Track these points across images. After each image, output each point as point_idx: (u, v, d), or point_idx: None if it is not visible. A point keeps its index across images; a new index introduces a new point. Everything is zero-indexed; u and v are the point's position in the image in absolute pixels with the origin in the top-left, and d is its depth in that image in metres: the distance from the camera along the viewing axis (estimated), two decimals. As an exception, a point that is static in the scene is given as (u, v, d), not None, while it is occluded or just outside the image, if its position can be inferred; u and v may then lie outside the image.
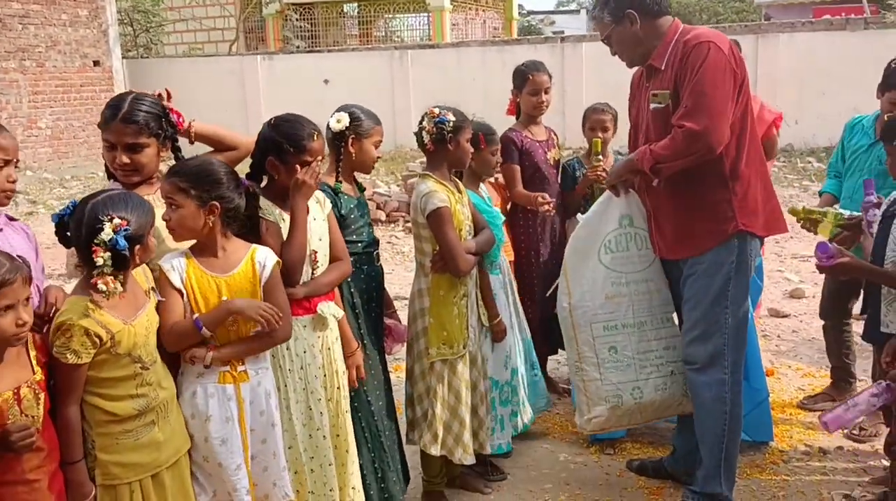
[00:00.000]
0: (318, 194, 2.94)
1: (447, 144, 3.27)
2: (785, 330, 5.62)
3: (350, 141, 3.05)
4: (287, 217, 2.73)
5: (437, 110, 3.26)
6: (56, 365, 2.19)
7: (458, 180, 3.49)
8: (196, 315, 2.42)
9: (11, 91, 13.74)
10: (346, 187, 3.08)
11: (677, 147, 2.98)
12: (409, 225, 9.25)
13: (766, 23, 16.14)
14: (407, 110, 14.75)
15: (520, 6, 30.89)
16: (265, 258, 2.56)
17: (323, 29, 21.11)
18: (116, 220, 2.15)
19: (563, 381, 4.67)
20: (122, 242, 2.13)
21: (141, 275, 2.40)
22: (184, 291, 2.43)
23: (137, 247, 2.22)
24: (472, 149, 3.43)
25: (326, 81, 16.20)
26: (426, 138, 3.25)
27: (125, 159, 2.52)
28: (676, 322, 3.44)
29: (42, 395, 2.14)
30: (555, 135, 4.49)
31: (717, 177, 3.08)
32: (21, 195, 11.47)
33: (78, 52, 14.99)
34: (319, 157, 2.78)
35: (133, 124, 2.50)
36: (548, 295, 3.86)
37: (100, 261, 2.13)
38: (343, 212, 3.03)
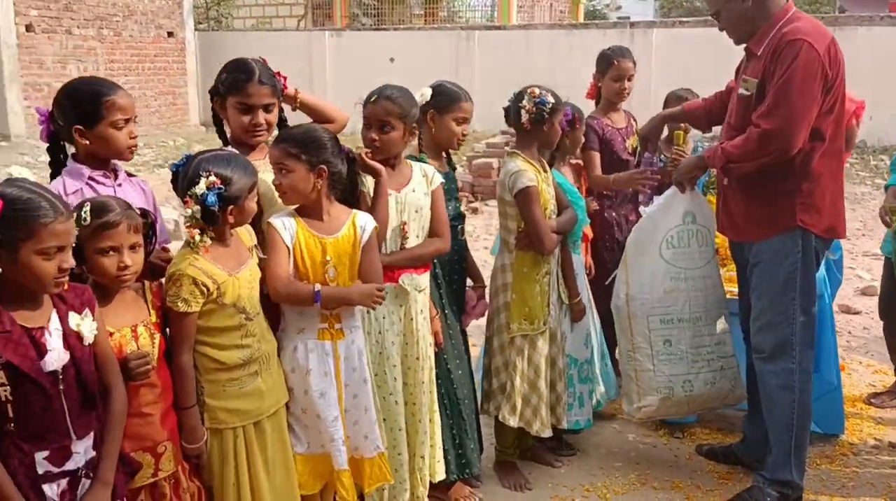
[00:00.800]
0: (427, 168, 3.05)
1: (543, 125, 3.33)
2: (856, 327, 5.58)
3: (430, 115, 3.14)
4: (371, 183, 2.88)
5: (537, 90, 3.31)
6: (170, 313, 2.35)
7: (543, 159, 3.55)
8: (318, 287, 2.55)
9: (89, 58, 14.15)
10: (433, 162, 3.16)
11: (751, 147, 3.01)
12: (472, 204, 9.39)
13: (843, 15, 15.72)
14: (471, 91, 14.69)
15: (586, -10, 30.51)
16: (365, 222, 2.70)
17: (389, 7, 21.19)
18: (212, 177, 2.30)
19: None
20: (212, 198, 2.28)
21: (244, 233, 2.55)
22: (290, 249, 2.56)
23: (231, 207, 2.35)
24: (560, 131, 3.49)
25: (392, 59, 16.30)
26: (524, 117, 3.30)
27: (261, 119, 2.68)
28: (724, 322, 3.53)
29: (157, 336, 2.30)
30: (634, 121, 4.51)
31: (785, 171, 3.09)
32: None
33: (153, 23, 15.35)
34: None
35: (268, 86, 2.70)
36: (607, 283, 3.92)
37: (188, 213, 2.30)
38: None
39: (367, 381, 2.74)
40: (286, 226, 2.58)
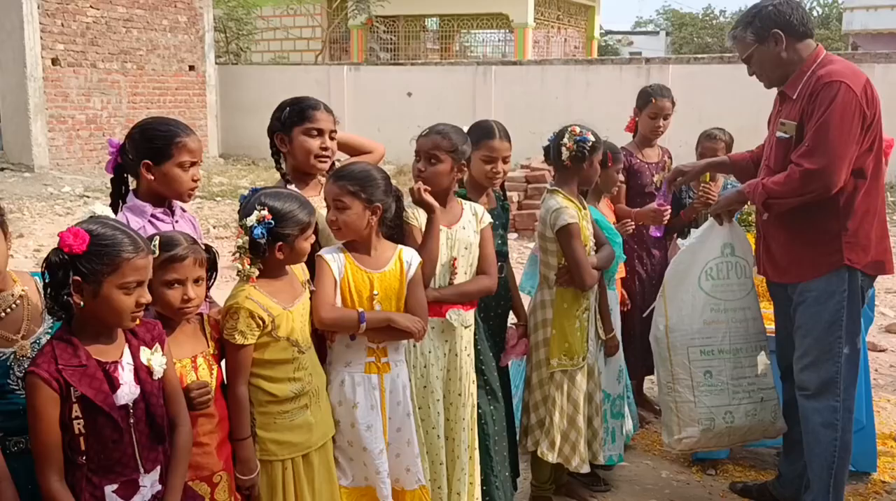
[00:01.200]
0: (477, 207, 3.11)
1: (583, 162, 3.39)
2: (882, 365, 5.57)
3: None
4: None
5: (578, 128, 3.37)
6: (227, 346, 2.40)
7: (581, 196, 3.61)
8: (361, 310, 2.61)
9: (113, 91, 14.38)
10: (473, 197, 3.19)
11: (792, 185, 3.04)
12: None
13: (859, 53, 15.85)
14: (488, 125, 14.92)
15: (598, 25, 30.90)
16: (411, 258, 2.77)
17: (404, 42, 21.51)
18: (264, 212, 2.37)
19: (657, 400, 4.74)
20: (259, 231, 2.35)
21: (298, 268, 2.61)
22: (338, 282, 2.62)
23: (281, 243, 2.41)
24: (600, 169, 3.55)
25: (410, 94, 16.48)
26: (565, 154, 3.35)
27: (328, 143, 2.82)
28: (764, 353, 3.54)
29: (215, 367, 2.36)
30: (670, 158, 4.58)
31: (829, 210, 3.12)
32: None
33: (175, 57, 15.61)
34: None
35: (331, 114, 2.84)
36: (644, 315, 3.94)
37: (238, 242, 2.38)
38: None
39: (411, 414, 2.78)
40: (335, 259, 2.65)
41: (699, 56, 16.60)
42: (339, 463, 2.70)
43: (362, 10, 18.33)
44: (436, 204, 2.86)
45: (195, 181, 2.62)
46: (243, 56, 20.10)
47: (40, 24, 12.86)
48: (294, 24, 21.89)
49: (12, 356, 2.01)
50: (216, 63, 17.00)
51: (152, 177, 2.57)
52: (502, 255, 3.37)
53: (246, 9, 19.74)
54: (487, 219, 3.10)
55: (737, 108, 11.78)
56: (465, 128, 3.09)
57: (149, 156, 2.57)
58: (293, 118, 2.82)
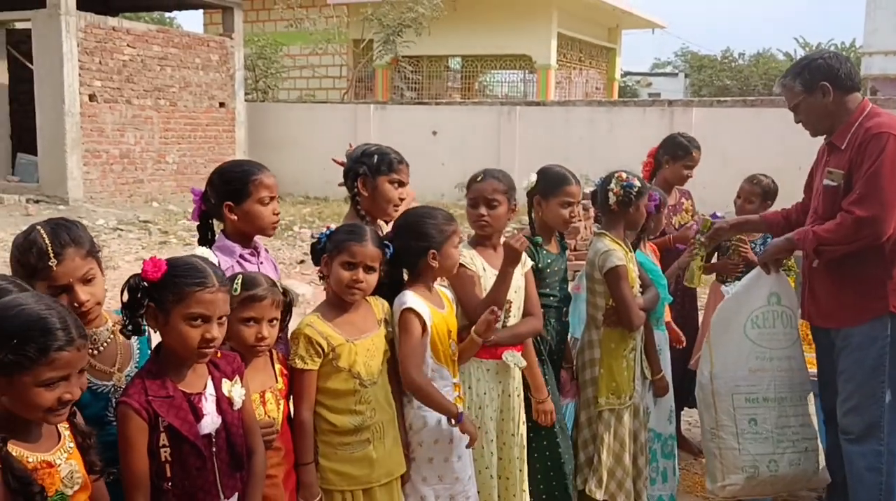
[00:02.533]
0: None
1: (629, 207, 3.47)
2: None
3: (536, 200, 3.28)
4: (487, 267, 3.00)
5: (625, 174, 3.47)
6: (292, 372, 2.50)
7: (627, 240, 3.67)
8: (461, 407, 2.76)
9: (146, 127, 14.68)
10: (545, 244, 3.29)
11: (844, 232, 3.12)
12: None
13: (883, 99, 15.92)
14: (511, 165, 15.04)
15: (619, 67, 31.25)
16: (453, 299, 2.92)
17: (427, 81, 21.82)
18: (324, 230, 2.63)
19: (697, 441, 4.75)
20: (323, 240, 2.62)
21: (377, 305, 2.69)
22: (429, 332, 2.71)
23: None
24: (645, 213, 3.62)
25: (435, 133, 16.69)
26: (612, 199, 3.45)
27: (404, 194, 3.01)
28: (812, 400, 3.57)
29: (282, 402, 2.45)
30: (687, 199, 4.65)
31: (876, 257, 3.18)
32: (151, 224, 12.20)
33: (206, 94, 15.94)
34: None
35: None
36: (690, 365, 3.96)
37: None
38: (540, 265, 3.25)
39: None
40: (422, 309, 2.70)
41: (722, 99, 16.73)
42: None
43: (389, 50, 18.64)
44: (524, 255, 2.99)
45: (276, 215, 2.73)
46: (271, 94, 20.45)
47: (79, 61, 13.21)
48: (321, 63, 22.26)
49: (112, 389, 2.09)
50: (245, 100, 17.33)
51: (235, 217, 2.69)
52: (567, 299, 3.45)
53: (274, 48, 20.13)
54: (529, 262, 3.18)
55: (760, 151, 11.87)
56: (493, 169, 3.21)
57: (229, 198, 2.69)
58: (382, 167, 2.96)
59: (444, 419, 2.75)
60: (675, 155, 4.48)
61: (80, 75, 13.21)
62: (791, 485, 3.59)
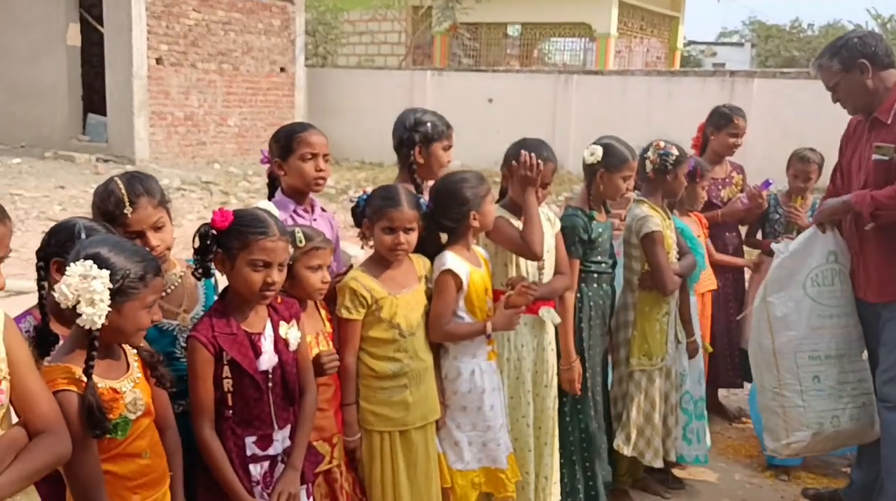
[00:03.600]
0: (550, 214, 3.34)
1: (666, 175, 3.59)
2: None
3: (600, 174, 3.39)
4: (518, 223, 3.15)
5: (663, 143, 3.59)
6: (338, 321, 2.72)
7: (666, 208, 3.79)
8: (489, 324, 2.90)
9: (209, 90, 15.08)
10: (597, 214, 3.43)
11: None
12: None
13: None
14: (566, 134, 15.05)
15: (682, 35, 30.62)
16: (488, 257, 3.09)
17: (485, 48, 21.78)
18: (363, 196, 2.81)
19: (733, 408, 4.88)
20: (361, 204, 2.79)
21: (419, 262, 2.89)
22: (465, 291, 2.89)
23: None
24: (686, 182, 3.73)
25: (490, 100, 16.74)
26: (649, 167, 3.58)
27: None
28: (865, 356, 3.59)
29: (331, 344, 2.67)
30: (738, 173, 4.71)
31: None
32: (213, 185, 12.61)
33: (268, 59, 16.25)
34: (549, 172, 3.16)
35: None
36: (739, 317, 4.02)
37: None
38: (593, 236, 3.38)
39: (502, 391, 3.07)
40: (461, 269, 2.88)
41: (785, 70, 16.37)
42: (459, 448, 2.96)
43: (447, 16, 18.67)
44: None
45: (318, 171, 2.90)
46: (330, 59, 20.69)
47: (147, 25, 13.62)
48: (380, 30, 22.40)
49: (177, 328, 2.34)
50: (305, 65, 17.61)
51: (283, 173, 2.90)
52: (616, 265, 3.60)
53: (334, 13, 20.33)
54: (558, 224, 3.33)
55: (822, 125, 11.60)
56: (543, 138, 3.30)
57: (279, 155, 2.92)
58: (435, 134, 3.15)
59: (476, 369, 2.93)
60: (719, 124, 4.55)
61: (147, 39, 13.63)
62: (850, 440, 3.63)
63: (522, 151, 3.08)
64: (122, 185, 2.29)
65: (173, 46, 14.20)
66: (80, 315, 1.79)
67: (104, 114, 14.42)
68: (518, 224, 3.15)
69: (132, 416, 1.92)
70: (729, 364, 4.67)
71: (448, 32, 20.74)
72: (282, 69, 16.64)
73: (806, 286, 3.52)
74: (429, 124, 3.16)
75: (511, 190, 3.19)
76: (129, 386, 1.93)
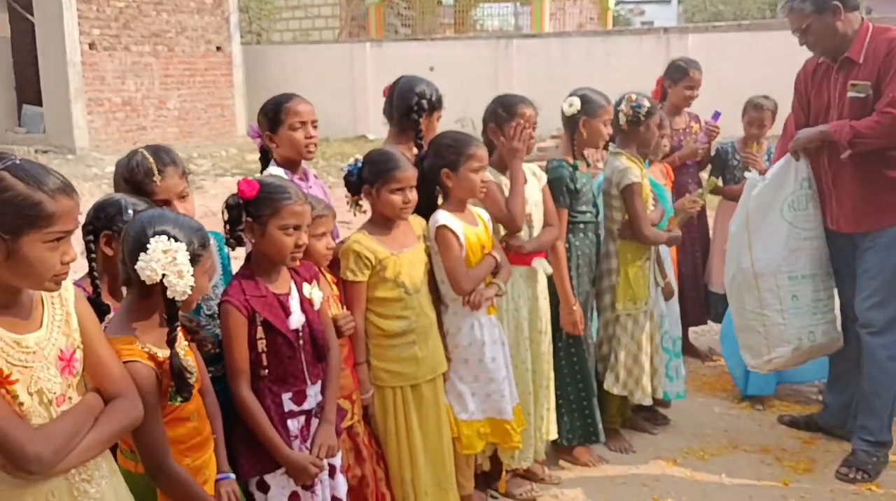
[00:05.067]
0: (536, 168, 3.47)
1: (640, 126, 3.74)
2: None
3: (582, 122, 3.52)
4: (505, 181, 3.26)
5: (634, 96, 3.73)
6: (344, 284, 2.81)
7: (641, 158, 3.95)
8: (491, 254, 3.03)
9: (145, 73, 14.74)
10: (580, 164, 3.57)
11: (882, 129, 3.33)
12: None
13: (877, 17, 15.98)
14: (510, 98, 15.17)
15: (612, -4, 30.89)
16: (487, 218, 3.17)
17: (420, 17, 21.69)
18: (356, 164, 2.88)
19: (704, 349, 5.13)
20: (354, 171, 2.86)
21: (416, 222, 2.98)
22: (463, 247, 2.98)
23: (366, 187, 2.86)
24: (658, 133, 3.89)
25: (432, 69, 16.71)
26: (622, 119, 3.72)
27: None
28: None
29: (341, 306, 2.76)
30: (696, 122, 4.91)
31: None
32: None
33: (203, 38, 15.93)
34: (531, 124, 3.24)
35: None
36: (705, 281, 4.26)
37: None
38: (578, 186, 3.52)
39: (505, 344, 3.18)
40: (455, 226, 2.97)
41: (717, 24, 16.75)
42: (463, 399, 3.07)
43: (381, -14, 18.58)
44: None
45: (309, 138, 2.97)
46: (265, 35, 20.37)
47: (77, 10, 13.22)
48: (313, 3, 22.09)
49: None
50: (241, 43, 17.30)
51: (275, 145, 2.96)
52: (597, 212, 3.73)
53: (266, -11, 19.99)
54: (545, 177, 3.45)
55: (754, 75, 12.00)
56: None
57: (268, 128, 2.98)
58: (437, 104, 3.26)
59: (476, 324, 3.04)
60: (675, 77, 4.75)
61: (79, 24, 13.24)
62: (821, 351, 3.82)
63: (514, 123, 3.17)
64: (149, 156, 2.36)
65: (105, 30, 13.83)
66: (165, 287, 1.86)
67: (39, 104, 14.01)
68: (505, 182, 3.26)
69: (191, 381, 1.99)
70: (696, 303, 4.91)
71: (382, 3, 20.57)
72: (218, 48, 16.34)
73: (783, 211, 3.68)
74: (434, 92, 3.25)
75: (498, 148, 3.29)
76: (181, 354, 2.00)
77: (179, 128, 15.54)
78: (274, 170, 2.59)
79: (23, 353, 1.64)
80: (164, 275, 1.84)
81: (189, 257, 1.88)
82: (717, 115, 4.69)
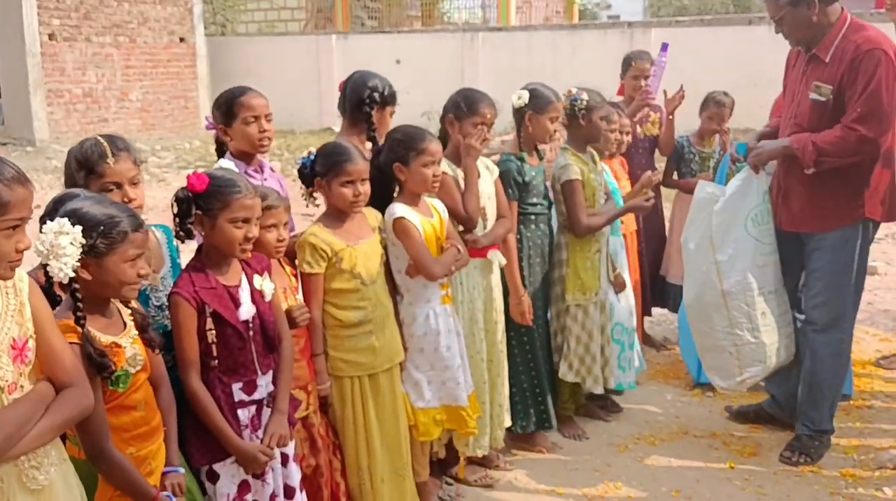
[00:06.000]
0: (488, 162, 3.53)
1: (580, 120, 3.82)
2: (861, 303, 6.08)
3: (528, 116, 3.59)
4: (460, 173, 3.32)
5: (574, 90, 3.81)
6: (301, 277, 2.84)
7: (594, 152, 4.02)
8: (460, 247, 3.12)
9: (107, 65, 14.56)
10: (528, 157, 3.63)
11: (847, 147, 3.32)
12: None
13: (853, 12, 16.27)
14: (476, 91, 15.23)
15: (578, -11, 31.02)
16: (443, 209, 3.22)
17: (386, 9, 21.64)
18: (309, 156, 2.93)
19: (659, 338, 5.25)
20: (307, 164, 2.90)
21: (371, 215, 3.03)
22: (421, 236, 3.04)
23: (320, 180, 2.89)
24: (606, 127, 3.96)
25: (398, 61, 16.72)
26: (562, 114, 3.76)
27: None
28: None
29: (299, 298, 2.81)
30: (654, 111, 4.99)
31: (857, 170, 3.43)
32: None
33: (165, 29, 15.76)
34: (487, 124, 3.30)
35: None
36: (661, 272, 4.38)
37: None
38: (526, 178, 3.60)
39: (460, 334, 3.24)
40: (411, 217, 3.03)
41: (680, 19, 16.93)
42: (421, 387, 3.14)
43: (347, -22, 18.49)
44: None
45: (262, 132, 3.01)
46: (230, 27, 20.18)
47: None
48: (278, -6, 21.94)
49: (149, 287, 2.44)
50: (205, 35, 17.14)
51: (230, 138, 3.00)
52: (551, 205, 3.80)
53: (230, -21, 19.78)
54: (496, 171, 3.52)
55: (717, 69, 12.19)
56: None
57: (222, 121, 3.03)
58: (389, 99, 3.30)
59: (431, 313, 3.10)
60: (625, 69, 4.92)
61: (38, 14, 13.03)
62: (782, 365, 3.80)
63: (475, 120, 3.25)
64: (103, 140, 2.42)
65: (65, 20, 13.63)
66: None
67: (-2, 95, 13.79)
68: (461, 175, 3.32)
69: (133, 370, 2.02)
70: (652, 292, 5.03)
71: (349, -5, 20.50)
72: (181, 39, 16.18)
73: (747, 226, 3.63)
74: (387, 87, 3.29)
75: (451, 140, 3.35)
76: (128, 342, 2.02)
77: (142, 121, 15.38)
78: (225, 162, 2.63)
79: None
80: (46, 255, 1.86)
81: (95, 241, 1.91)
82: (664, 47, 4.80)
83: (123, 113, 15.02)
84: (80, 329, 1.93)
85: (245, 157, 3.03)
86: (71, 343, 1.88)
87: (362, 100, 3.26)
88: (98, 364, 1.93)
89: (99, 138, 2.44)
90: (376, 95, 3.26)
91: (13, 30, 12.90)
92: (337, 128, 17.33)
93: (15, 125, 13.42)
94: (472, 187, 3.26)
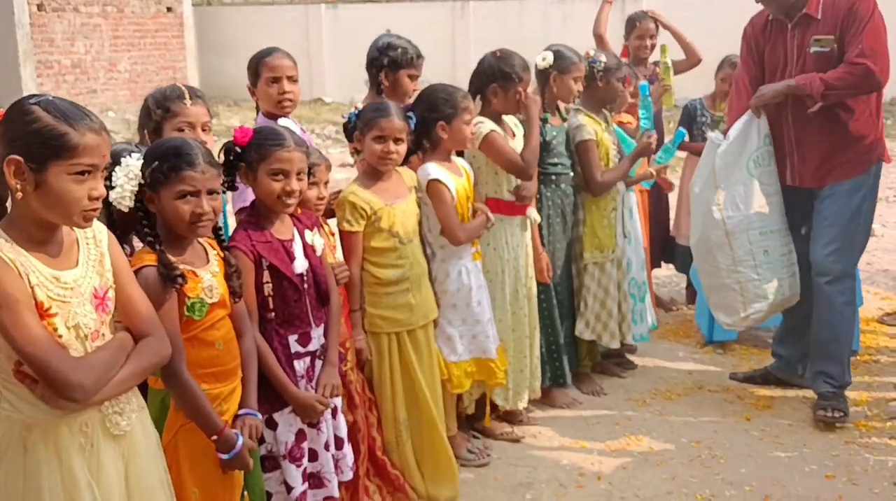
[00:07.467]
0: (514, 120, 3.59)
1: (597, 82, 3.89)
2: (861, 263, 6.21)
3: (553, 77, 3.66)
4: (500, 130, 3.42)
5: (592, 52, 3.89)
6: (340, 234, 2.91)
7: (607, 113, 4.10)
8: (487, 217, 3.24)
9: (95, 35, 14.36)
10: (551, 117, 3.70)
11: (853, 80, 3.43)
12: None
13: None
14: (467, 61, 15.13)
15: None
16: (469, 169, 3.33)
17: (375, -22, 21.45)
18: (354, 111, 3.01)
19: (666, 299, 5.36)
20: (352, 119, 2.98)
21: (407, 174, 3.09)
22: (455, 198, 3.13)
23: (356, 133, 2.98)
24: (621, 88, 4.03)
25: (388, 31, 16.60)
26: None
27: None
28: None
29: (339, 256, 2.89)
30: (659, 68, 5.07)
31: (868, 113, 3.57)
32: (114, 134, 12.19)
33: (153, -1, 15.58)
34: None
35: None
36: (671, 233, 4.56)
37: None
38: (548, 138, 3.67)
39: (485, 287, 3.34)
40: (445, 178, 3.10)
41: (670, -13, 16.90)
42: (452, 342, 3.23)
43: (335, -53, 18.28)
44: None
45: (283, 94, 3.06)
46: (216, -3, 19.95)
47: (24, -31, 12.82)
48: (265, -37, 21.67)
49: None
50: (192, 4, 16.94)
51: (257, 98, 3.08)
52: (573, 165, 3.87)
53: (216, -52, 19.53)
54: (521, 129, 3.57)
55: (710, 35, 12.22)
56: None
57: (251, 82, 3.14)
58: (403, 61, 3.35)
59: (463, 270, 3.20)
60: (629, 31, 5.01)
61: (26, -17, 12.83)
62: (787, 304, 3.89)
63: (529, 92, 3.37)
64: (183, 87, 2.60)
65: (53, -10, 13.43)
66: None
67: (-15, 67, 13.58)
68: (500, 131, 3.39)
69: (209, 300, 2.09)
70: (659, 248, 5.17)
71: (337, -36, 20.28)
72: (168, 9, 15.98)
73: (749, 168, 3.74)
74: (399, 49, 3.34)
75: (495, 104, 3.43)
76: (206, 275, 2.09)
77: (131, 91, 15.22)
78: (284, 121, 2.70)
79: (62, 289, 1.72)
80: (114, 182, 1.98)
81: (150, 174, 2.03)
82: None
83: (112, 84, 14.85)
84: (154, 252, 2.02)
85: (273, 118, 3.09)
86: (146, 266, 1.96)
87: (371, 61, 3.36)
88: (167, 276, 1.99)
89: (179, 84, 2.59)
90: (385, 59, 3.30)
91: (1, 1, 12.70)
92: (328, 99, 17.23)
93: (5, 96, 13.15)
94: (532, 141, 3.36)
